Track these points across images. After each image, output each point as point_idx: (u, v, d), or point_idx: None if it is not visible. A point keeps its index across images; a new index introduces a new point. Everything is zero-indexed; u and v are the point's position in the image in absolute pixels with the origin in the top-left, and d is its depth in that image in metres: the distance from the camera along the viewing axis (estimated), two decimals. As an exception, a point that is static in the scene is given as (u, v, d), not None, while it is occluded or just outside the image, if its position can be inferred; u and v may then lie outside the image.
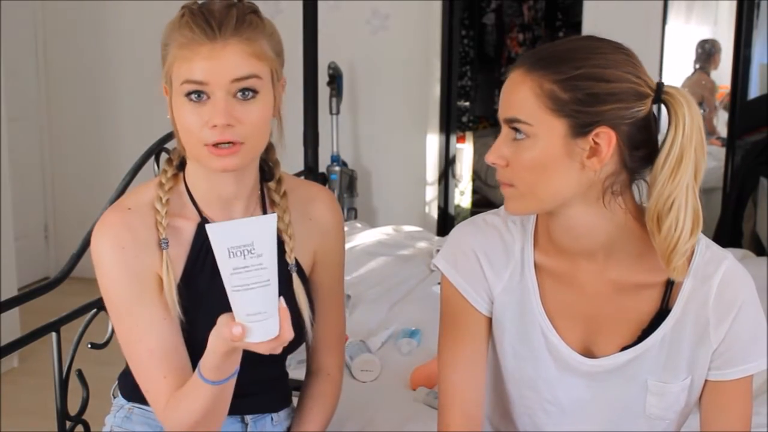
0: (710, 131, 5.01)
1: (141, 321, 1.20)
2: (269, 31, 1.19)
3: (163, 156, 1.30)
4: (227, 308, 1.21)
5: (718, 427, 1.18)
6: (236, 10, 1.16)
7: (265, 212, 1.30)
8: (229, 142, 1.15)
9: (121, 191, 1.73)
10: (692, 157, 1.09)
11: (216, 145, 1.15)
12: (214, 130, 1.13)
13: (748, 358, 1.17)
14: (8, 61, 3.73)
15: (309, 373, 1.43)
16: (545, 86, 1.08)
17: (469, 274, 1.23)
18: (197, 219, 1.26)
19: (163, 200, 1.23)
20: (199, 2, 1.19)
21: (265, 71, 1.17)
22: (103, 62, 4.44)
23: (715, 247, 1.19)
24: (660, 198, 1.09)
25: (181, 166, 1.28)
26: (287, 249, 1.29)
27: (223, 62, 1.13)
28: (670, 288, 1.17)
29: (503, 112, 1.12)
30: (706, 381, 1.19)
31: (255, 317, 1.02)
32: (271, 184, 1.31)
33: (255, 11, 1.19)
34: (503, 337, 1.24)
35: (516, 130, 1.10)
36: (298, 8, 2.92)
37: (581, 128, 1.08)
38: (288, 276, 1.28)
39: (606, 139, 1.08)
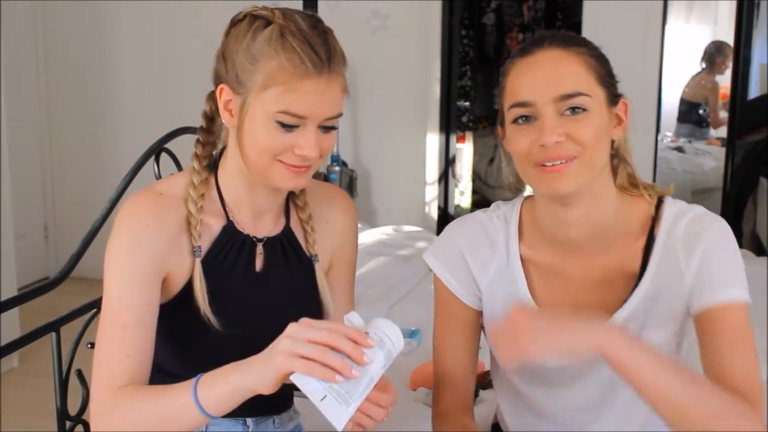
0: (714, 126, 5.00)
1: (128, 295, 1.17)
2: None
3: (186, 152, 1.28)
4: (237, 306, 1.22)
5: (714, 352, 1.14)
6: (332, 40, 1.18)
7: (288, 218, 1.31)
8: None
9: (121, 191, 1.73)
10: None
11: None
12: (299, 157, 1.15)
13: (727, 283, 1.14)
14: (8, 61, 3.73)
15: None
16: (589, 60, 1.15)
17: (454, 270, 1.28)
18: (224, 220, 1.25)
19: (198, 205, 1.22)
20: (265, 4, 1.20)
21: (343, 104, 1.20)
22: (103, 62, 4.43)
23: (684, 203, 1.23)
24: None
25: (211, 164, 1.27)
26: (309, 240, 1.30)
27: (325, 99, 1.14)
28: (649, 250, 1.19)
29: (551, 90, 1.12)
30: (695, 318, 1.17)
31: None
32: None
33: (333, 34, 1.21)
34: None
35: (571, 104, 1.12)
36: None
37: (614, 98, 1.18)
38: (310, 266, 1.30)
39: (624, 108, 1.19)
